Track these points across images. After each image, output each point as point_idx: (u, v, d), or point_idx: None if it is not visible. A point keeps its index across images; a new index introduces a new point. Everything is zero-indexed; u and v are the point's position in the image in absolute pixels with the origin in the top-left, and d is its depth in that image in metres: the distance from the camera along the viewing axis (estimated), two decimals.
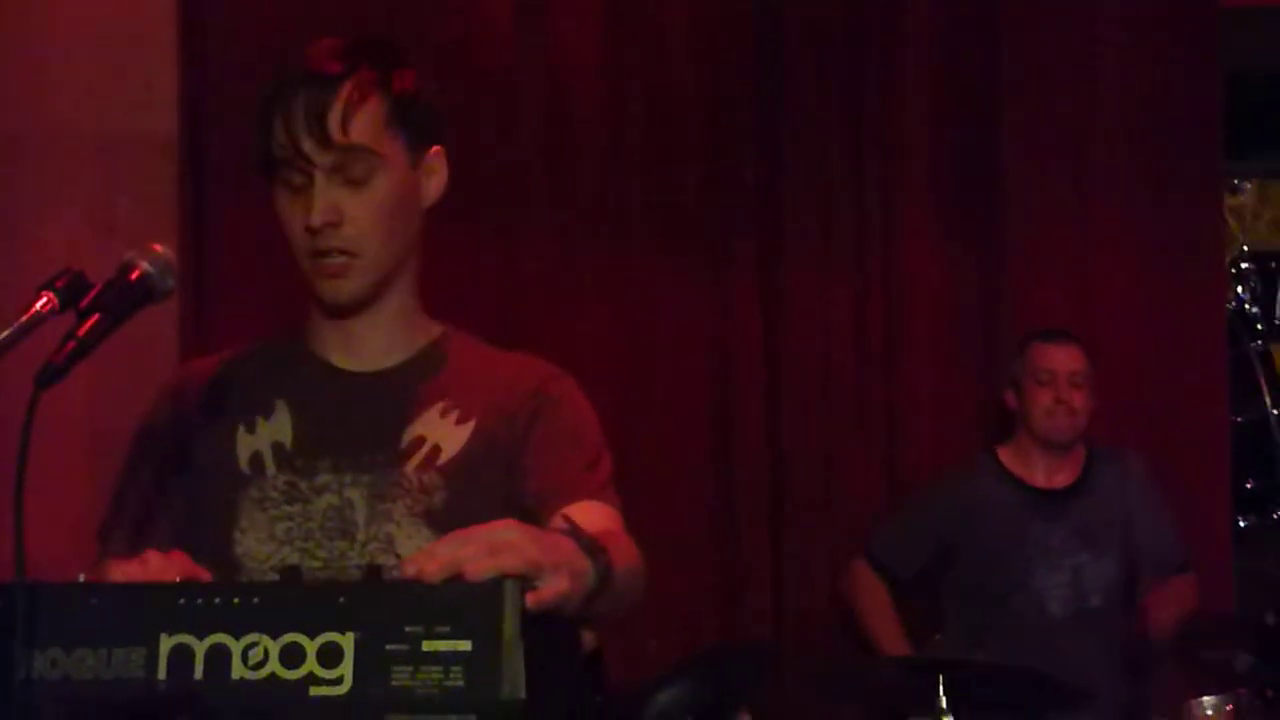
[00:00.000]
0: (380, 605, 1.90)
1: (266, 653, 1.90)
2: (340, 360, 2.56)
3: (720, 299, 5.56)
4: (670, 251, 5.54)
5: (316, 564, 2.39)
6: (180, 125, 5.14)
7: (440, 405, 2.52)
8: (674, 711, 4.01)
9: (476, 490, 2.46)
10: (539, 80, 5.50)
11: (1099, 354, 5.24)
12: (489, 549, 1.94)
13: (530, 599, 1.93)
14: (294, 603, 1.93)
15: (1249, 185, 7.74)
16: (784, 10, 5.64)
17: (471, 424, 2.50)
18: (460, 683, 1.86)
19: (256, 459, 2.49)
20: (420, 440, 2.49)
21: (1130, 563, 5.01)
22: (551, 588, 1.96)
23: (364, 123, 2.40)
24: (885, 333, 5.63)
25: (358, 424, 2.50)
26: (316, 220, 2.38)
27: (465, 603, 1.89)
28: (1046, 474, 5.08)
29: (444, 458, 2.48)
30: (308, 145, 2.38)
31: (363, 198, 2.41)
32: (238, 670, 1.90)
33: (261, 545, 2.43)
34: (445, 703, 1.86)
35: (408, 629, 1.88)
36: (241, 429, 2.51)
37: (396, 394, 2.53)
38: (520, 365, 2.60)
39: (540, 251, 5.45)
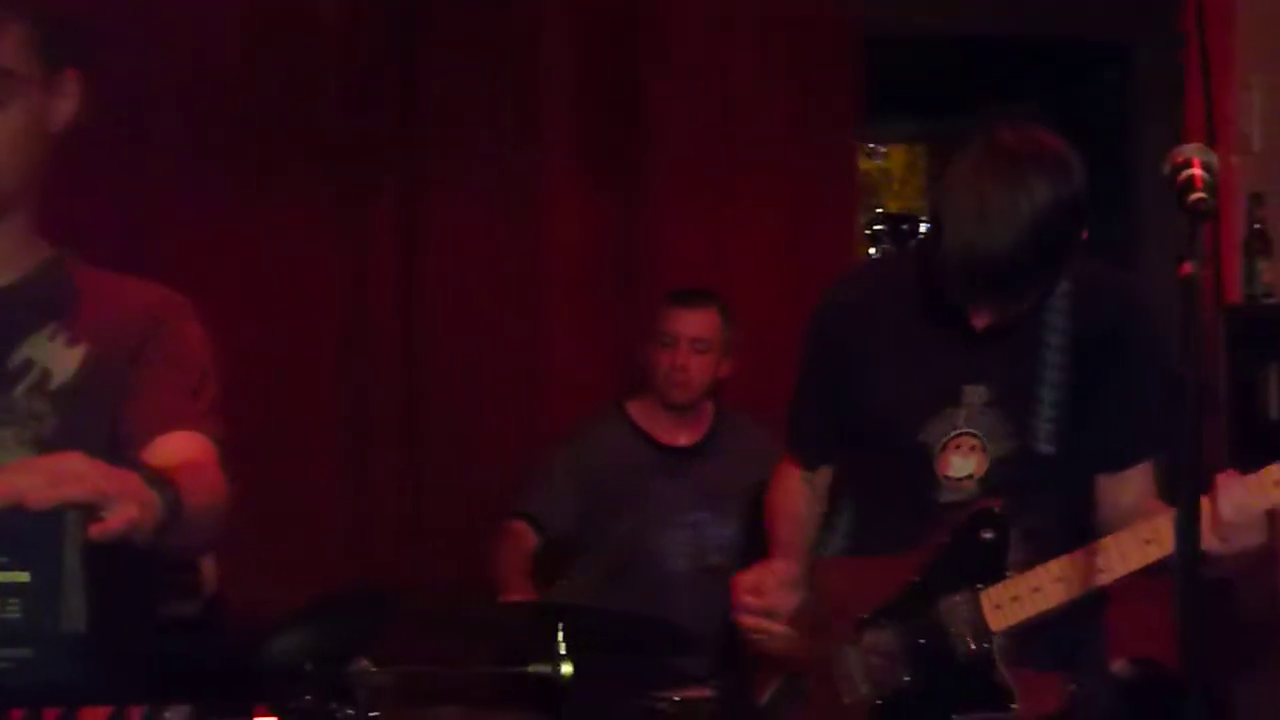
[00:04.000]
0: None
1: None
2: None
3: (359, 241, 5.52)
4: (309, 186, 5.47)
5: None
6: None
7: (51, 327, 2.44)
8: (292, 658, 3.95)
9: (87, 416, 2.39)
10: (178, 6, 5.38)
11: (736, 305, 5.31)
12: (51, 478, 1.89)
13: (95, 529, 1.88)
14: None
15: (884, 151, 8.00)
16: None
17: (83, 347, 2.43)
18: (17, 615, 1.82)
19: None
20: (29, 363, 2.41)
21: (754, 525, 5.07)
22: (118, 517, 1.92)
23: (7, 44, 2.31)
24: (525, 279, 5.65)
25: None
26: None
27: (24, 533, 1.84)
28: (671, 432, 5.12)
29: (54, 383, 2.40)
30: None
31: None
32: None
33: None
34: (2, 636, 1.82)
35: None
36: None
37: (4, 315, 2.44)
38: (133, 288, 2.54)
39: (178, 182, 5.34)
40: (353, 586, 5.14)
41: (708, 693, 4.29)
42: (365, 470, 5.51)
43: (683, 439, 5.12)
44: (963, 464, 3.15)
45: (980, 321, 3.04)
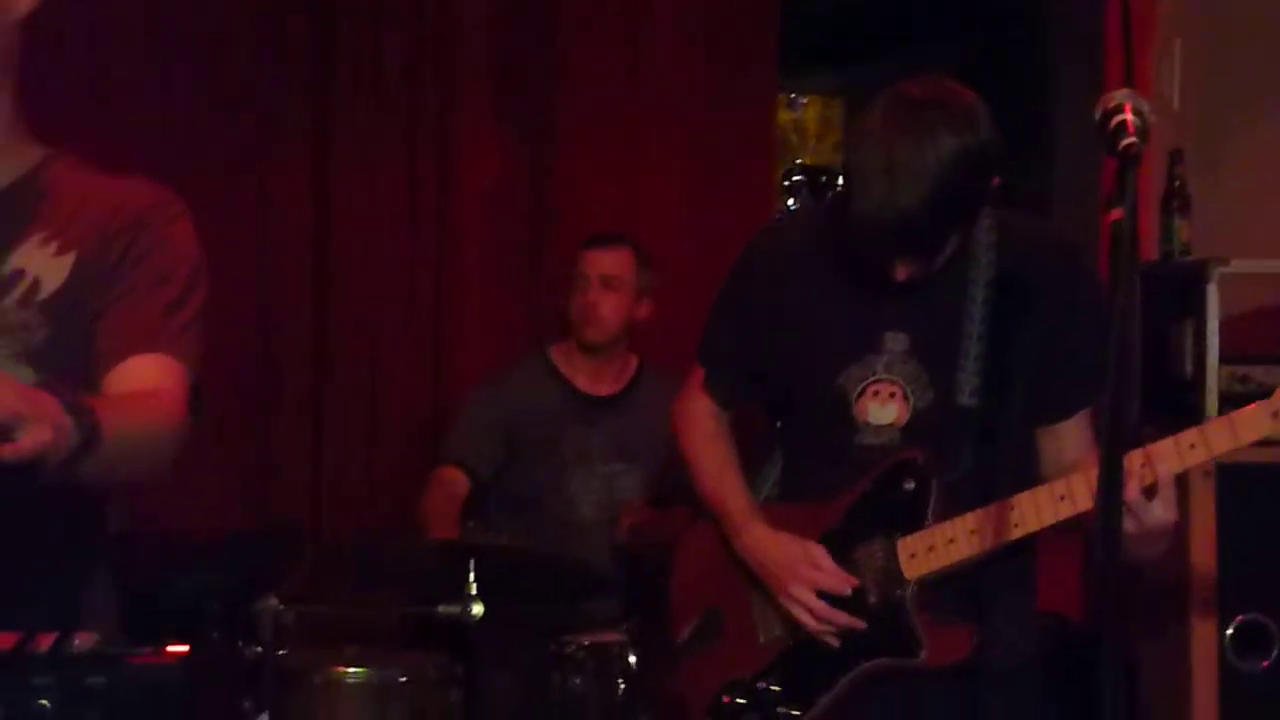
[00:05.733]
0: None
1: None
2: None
3: (269, 183, 5.45)
4: (218, 132, 5.39)
5: None
6: None
7: (41, 235, 2.38)
8: (199, 596, 3.91)
9: (76, 327, 2.33)
10: None
11: (650, 258, 5.29)
12: None
13: (7, 450, 1.84)
14: None
15: (804, 101, 7.98)
16: None
17: (73, 255, 2.37)
18: None
19: None
20: (19, 273, 2.35)
21: (664, 477, 5.01)
22: (30, 438, 1.87)
23: None
24: (436, 222, 5.61)
25: None
26: None
27: None
28: (591, 379, 5.10)
29: (44, 293, 2.34)
30: None
31: None
32: None
33: None
34: None
35: None
36: None
37: None
38: (125, 190, 2.47)
39: (85, 119, 5.24)
40: (259, 525, 5.11)
41: (618, 636, 4.28)
42: (272, 415, 5.46)
43: (603, 388, 5.10)
44: (881, 411, 3.15)
45: (900, 274, 3.02)
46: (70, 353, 2.27)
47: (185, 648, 1.87)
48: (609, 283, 5.03)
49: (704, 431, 3.45)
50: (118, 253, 2.39)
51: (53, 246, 2.38)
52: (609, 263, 5.05)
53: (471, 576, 3.84)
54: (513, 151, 5.71)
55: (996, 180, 2.99)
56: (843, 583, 3.15)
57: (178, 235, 2.47)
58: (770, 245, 3.33)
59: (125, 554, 4.21)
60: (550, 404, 5.04)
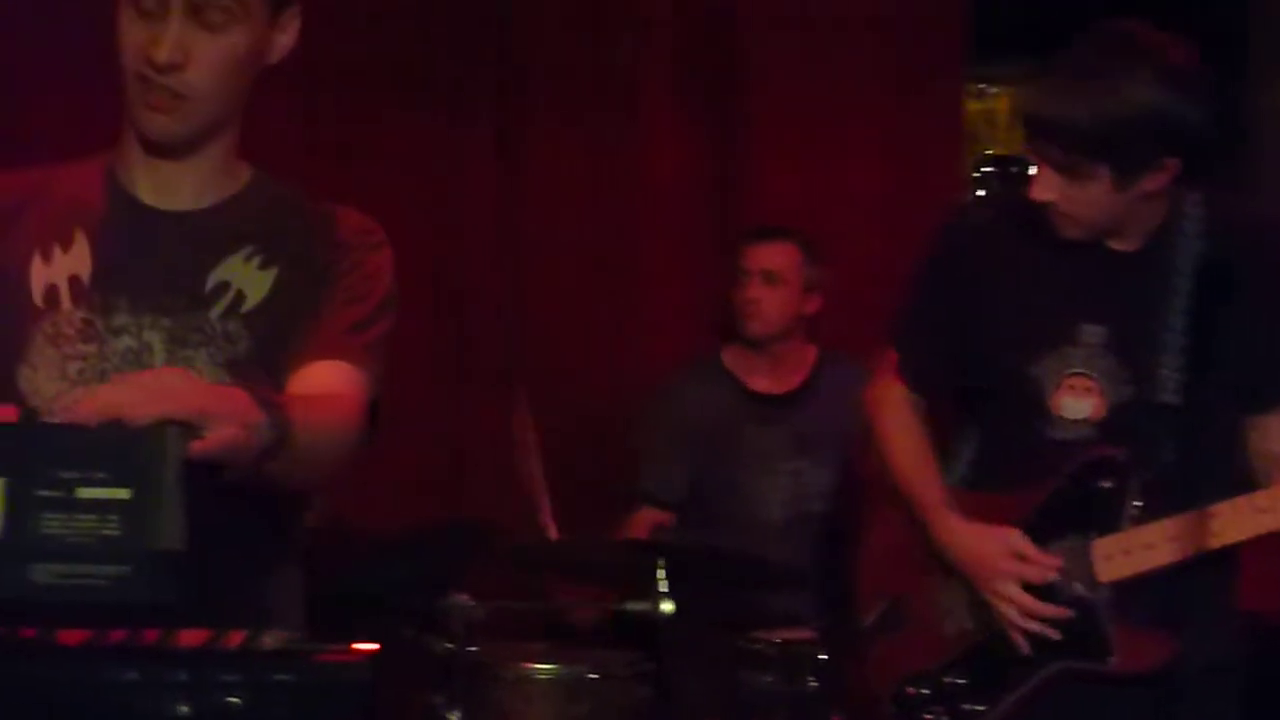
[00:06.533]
0: (32, 448, 1.79)
1: None
2: (148, 198, 2.46)
3: (457, 169, 5.48)
4: (406, 131, 5.42)
5: None
6: None
7: (246, 250, 2.45)
8: (385, 592, 3.93)
9: (277, 338, 2.40)
10: None
11: (837, 251, 5.22)
12: (153, 394, 1.86)
13: (195, 447, 1.85)
14: None
15: (994, 91, 7.84)
16: None
17: (275, 270, 2.44)
18: (117, 532, 1.78)
19: (52, 292, 2.39)
20: (224, 286, 2.42)
21: (855, 471, 4.98)
22: (218, 436, 1.88)
23: None
24: (623, 220, 5.60)
25: (161, 264, 2.42)
26: (163, 58, 2.29)
27: (125, 448, 1.80)
28: (767, 378, 5.06)
29: (248, 305, 2.41)
30: None
31: (214, 44, 2.33)
32: None
33: (51, 384, 2.33)
34: (100, 553, 1.78)
35: (62, 474, 1.78)
36: (37, 258, 2.40)
37: (203, 236, 2.45)
38: (329, 214, 2.54)
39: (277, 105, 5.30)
40: (446, 520, 5.12)
41: (810, 634, 4.24)
42: (461, 412, 5.48)
43: (778, 385, 5.05)
44: (1077, 405, 3.08)
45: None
46: (268, 364, 2.34)
47: (374, 645, 1.87)
48: (770, 278, 4.98)
49: (899, 418, 3.37)
50: (317, 272, 2.45)
51: (257, 261, 2.45)
52: (770, 257, 5.01)
53: (661, 574, 3.83)
54: (698, 145, 5.69)
55: (1175, 160, 2.91)
56: (1047, 569, 3.08)
57: (375, 262, 2.52)
58: (967, 230, 3.29)
59: (313, 550, 4.27)
60: (724, 407, 5.01)
